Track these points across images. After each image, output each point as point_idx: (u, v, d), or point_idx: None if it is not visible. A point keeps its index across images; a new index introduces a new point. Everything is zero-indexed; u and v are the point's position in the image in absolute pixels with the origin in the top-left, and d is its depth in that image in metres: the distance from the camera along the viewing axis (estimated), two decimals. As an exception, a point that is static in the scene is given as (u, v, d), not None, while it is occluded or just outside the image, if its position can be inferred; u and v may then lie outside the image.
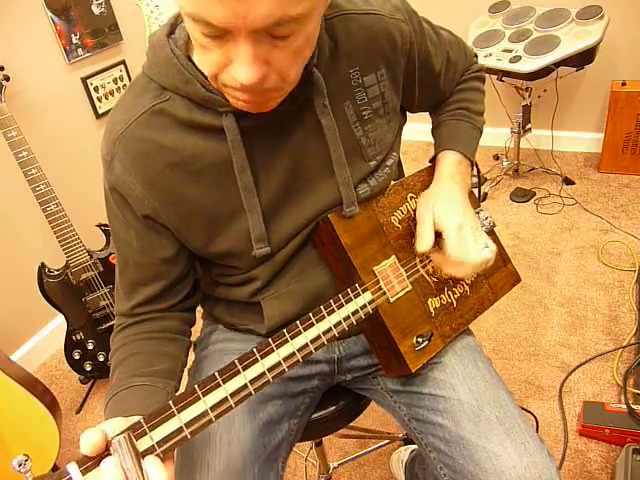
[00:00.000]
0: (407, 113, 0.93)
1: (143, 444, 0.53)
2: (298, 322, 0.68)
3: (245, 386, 0.61)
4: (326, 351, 0.91)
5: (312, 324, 0.69)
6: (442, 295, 0.87)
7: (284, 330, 0.67)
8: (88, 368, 1.80)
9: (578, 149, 2.80)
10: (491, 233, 0.95)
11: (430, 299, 0.85)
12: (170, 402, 0.56)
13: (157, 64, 0.70)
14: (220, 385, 0.60)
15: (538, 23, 2.31)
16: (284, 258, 0.79)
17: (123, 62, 2.23)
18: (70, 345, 1.77)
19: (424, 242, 0.82)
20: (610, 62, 2.49)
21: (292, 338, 0.67)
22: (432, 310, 0.85)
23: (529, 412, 1.52)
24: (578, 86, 2.65)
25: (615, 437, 1.42)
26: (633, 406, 1.44)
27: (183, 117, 0.70)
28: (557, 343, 1.77)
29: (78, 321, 1.75)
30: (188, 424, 0.57)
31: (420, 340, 0.81)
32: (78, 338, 1.76)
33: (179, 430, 0.56)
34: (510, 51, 2.28)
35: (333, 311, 0.72)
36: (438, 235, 0.83)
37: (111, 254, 1.76)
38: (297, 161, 0.75)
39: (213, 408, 0.59)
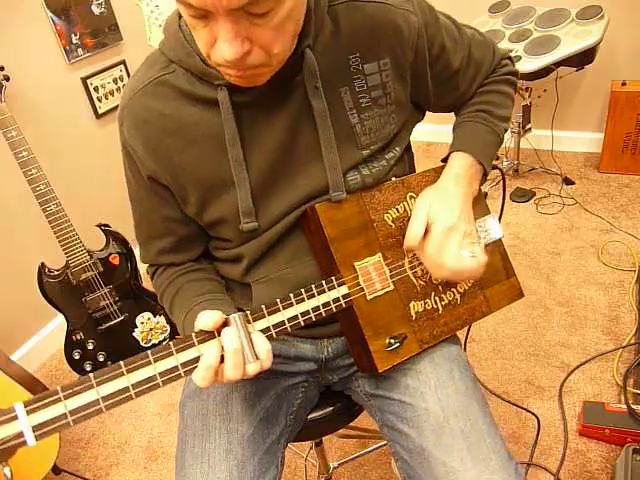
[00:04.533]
0: (426, 113, 0.91)
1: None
2: (263, 306, 0.70)
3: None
4: (315, 351, 0.91)
5: (278, 309, 0.70)
6: (427, 300, 0.84)
7: (262, 306, 0.70)
8: (88, 368, 1.80)
9: (578, 149, 2.80)
10: (498, 243, 0.92)
11: (413, 302, 0.83)
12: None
13: (167, 39, 0.75)
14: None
15: (538, 23, 2.31)
16: (272, 237, 0.80)
17: (123, 62, 2.23)
18: (70, 345, 1.77)
19: (410, 236, 0.80)
20: (610, 62, 2.49)
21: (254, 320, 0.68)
22: (413, 313, 0.82)
23: (530, 412, 1.52)
24: (578, 86, 2.65)
25: (615, 437, 1.42)
26: (633, 406, 1.44)
27: (184, 89, 0.74)
28: (557, 343, 1.77)
29: (78, 321, 1.75)
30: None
31: (392, 341, 0.79)
32: (78, 338, 1.76)
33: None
34: (510, 51, 2.28)
35: (303, 300, 0.73)
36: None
37: (111, 254, 1.76)
38: (288, 141, 0.76)
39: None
